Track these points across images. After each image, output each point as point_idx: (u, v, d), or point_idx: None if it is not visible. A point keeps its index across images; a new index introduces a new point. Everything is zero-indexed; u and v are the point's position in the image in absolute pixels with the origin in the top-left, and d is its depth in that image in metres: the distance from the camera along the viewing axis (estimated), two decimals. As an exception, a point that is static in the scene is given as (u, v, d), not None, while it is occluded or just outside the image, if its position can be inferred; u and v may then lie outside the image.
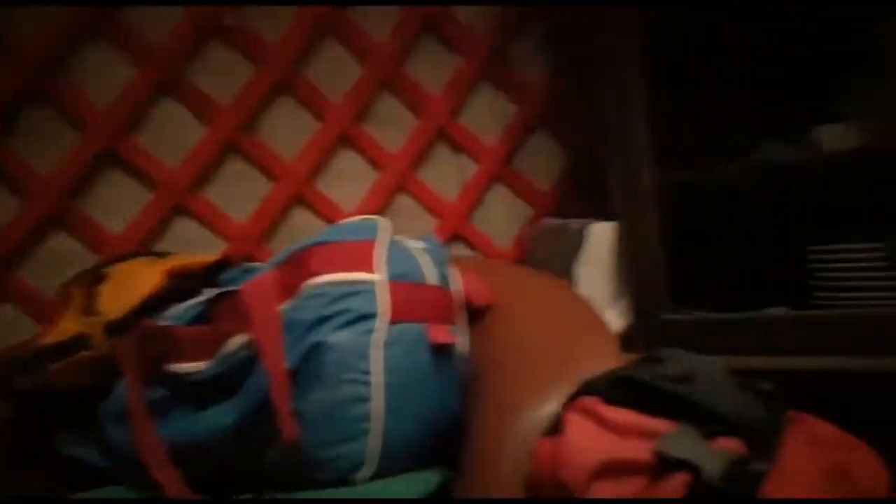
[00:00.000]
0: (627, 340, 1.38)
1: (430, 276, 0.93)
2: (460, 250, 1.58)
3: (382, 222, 0.94)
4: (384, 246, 0.90)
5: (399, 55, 1.50)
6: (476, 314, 1.02)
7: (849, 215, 1.17)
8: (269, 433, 0.83)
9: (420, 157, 1.53)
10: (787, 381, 1.12)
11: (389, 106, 1.52)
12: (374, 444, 0.83)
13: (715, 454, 0.63)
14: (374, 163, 1.49)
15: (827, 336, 1.09)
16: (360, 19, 1.48)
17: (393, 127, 1.51)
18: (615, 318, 1.39)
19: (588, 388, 0.73)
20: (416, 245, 0.96)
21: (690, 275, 1.39)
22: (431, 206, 1.54)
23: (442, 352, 0.90)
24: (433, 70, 1.54)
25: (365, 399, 0.82)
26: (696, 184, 1.30)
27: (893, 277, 1.04)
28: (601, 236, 1.37)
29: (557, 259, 1.39)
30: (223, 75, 1.39)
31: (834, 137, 1.13)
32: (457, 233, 1.56)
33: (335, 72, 1.47)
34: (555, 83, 1.62)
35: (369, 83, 1.48)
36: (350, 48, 1.47)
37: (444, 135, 1.56)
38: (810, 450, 0.70)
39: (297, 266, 0.88)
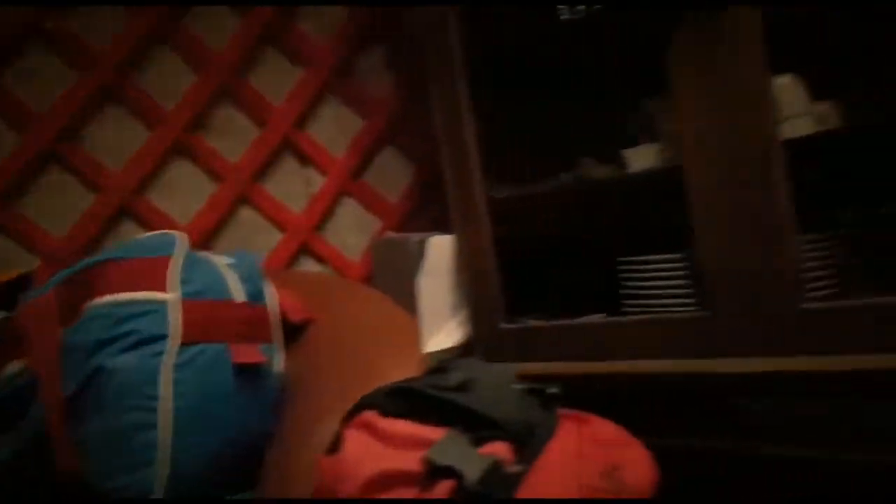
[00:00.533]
0: (467, 350, 1.41)
1: (237, 292, 0.91)
2: (308, 264, 1.56)
3: (180, 237, 0.90)
4: (180, 262, 0.86)
5: (238, 64, 1.46)
6: (294, 330, 1.01)
7: (654, 228, 1.24)
8: (52, 464, 0.78)
9: (263, 168, 1.50)
10: (602, 384, 1.19)
11: (230, 116, 1.48)
12: (162, 472, 0.79)
13: (477, 459, 0.65)
14: (213, 173, 1.45)
15: (634, 341, 1.16)
16: (197, 27, 1.43)
17: (234, 137, 1.47)
18: (456, 329, 1.42)
19: (367, 403, 0.73)
20: (222, 261, 0.93)
21: (526, 284, 1.44)
22: (276, 218, 1.51)
23: (248, 372, 0.87)
24: (277, 81, 1.52)
25: (151, 426, 0.78)
26: (525, 198, 1.34)
27: (690, 285, 1.12)
28: (440, 249, 1.39)
29: (400, 272, 1.39)
30: (42, 81, 1.31)
31: (640, 157, 1.21)
32: (304, 246, 1.54)
33: (169, 80, 1.41)
34: (402, 98, 1.63)
35: (205, 92, 1.43)
36: (184, 56, 1.42)
37: (289, 146, 1.53)
38: (580, 450, 0.74)
39: (82, 285, 0.83)
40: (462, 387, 0.74)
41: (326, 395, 0.86)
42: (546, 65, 1.42)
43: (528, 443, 0.71)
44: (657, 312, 1.15)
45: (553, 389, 0.85)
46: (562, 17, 1.25)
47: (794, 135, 1.06)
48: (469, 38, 1.36)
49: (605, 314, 1.27)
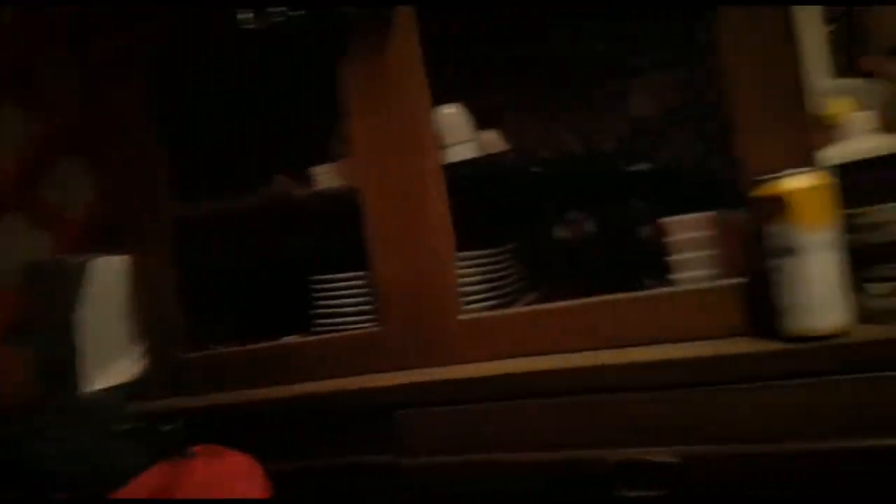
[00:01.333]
0: (142, 386, 1.26)
1: None
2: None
3: None
4: None
5: None
6: None
7: (343, 247, 1.22)
8: None
9: None
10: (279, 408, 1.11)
11: None
12: None
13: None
14: None
15: (319, 360, 1.12)
16: None
17: None
18: (130, 363, 1.26)
19: None
20: None
21: (217, 308, 1.33)
22: None
23: None
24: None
25: None
26: (210, 217, 1.25)
27: (370, 303, 1.11)
28: (108, 272, 1.23)
29: (56, 300, 1.20)
30: None
31: (326, 176, 1.18)
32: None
33: None
34: (89, 105, 1.45)
35: None
36: None
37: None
38: (167, 491, 0.66)
39: None
40: (25, 435, 0.61)
41: None
42: (239, 79, 1.35)
43: (94, 492, 0.61)
44: (343, 330, 1.13)
45: (168, 427, 0.77)
46: (242, 27, 1.18)
47: (456, 159, 1.10)
48: (150, 42, 1.25)
49: (299, 335, 1.21)
